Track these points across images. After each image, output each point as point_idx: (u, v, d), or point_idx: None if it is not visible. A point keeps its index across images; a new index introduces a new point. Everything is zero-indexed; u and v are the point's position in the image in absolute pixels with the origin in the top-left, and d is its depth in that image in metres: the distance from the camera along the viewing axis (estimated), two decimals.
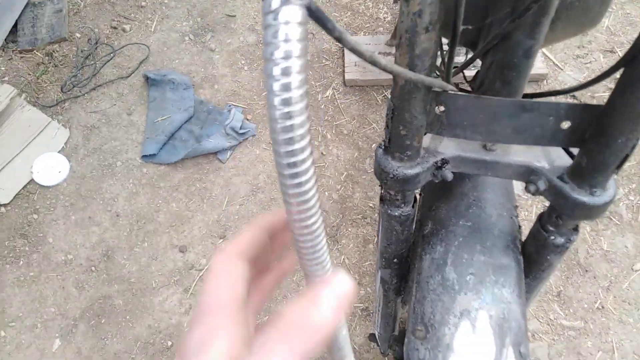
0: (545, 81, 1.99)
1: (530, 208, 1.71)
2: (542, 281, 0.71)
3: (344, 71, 2.06)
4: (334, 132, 1.95)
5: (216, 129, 1.93)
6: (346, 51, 2.08)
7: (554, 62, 2.03)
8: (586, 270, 1.57)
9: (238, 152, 1.93)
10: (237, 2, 2.29)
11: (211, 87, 2.08)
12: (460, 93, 0.54)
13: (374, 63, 0.36)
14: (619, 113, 0.47)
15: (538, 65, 1.96)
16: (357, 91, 2.04)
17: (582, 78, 1.98)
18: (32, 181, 1.89)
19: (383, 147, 0.61)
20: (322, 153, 1.90)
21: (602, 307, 1.51)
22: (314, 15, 0.27)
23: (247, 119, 2.00)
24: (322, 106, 2.01)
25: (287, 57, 0.24)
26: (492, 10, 0.57)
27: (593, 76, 1.98)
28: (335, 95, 2.03)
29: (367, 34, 2.18)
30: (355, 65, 2.03)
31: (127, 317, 1.64)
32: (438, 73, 0.75)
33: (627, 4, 2.17)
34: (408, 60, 0.48)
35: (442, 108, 0.56)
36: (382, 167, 0.60)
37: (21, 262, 1.75)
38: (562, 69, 2.01)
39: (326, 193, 1.82)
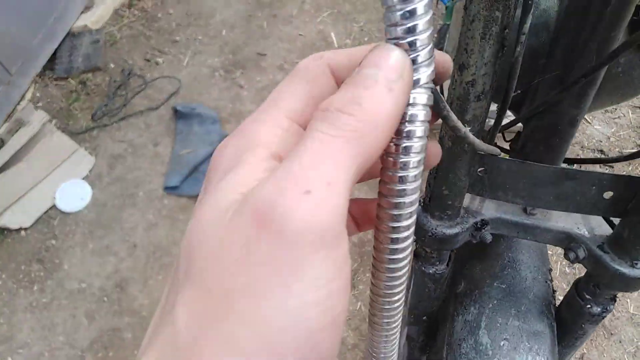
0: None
1: (554, 265, 1.67)
2: (575, 348, 0.69)
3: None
4: None
5: None
6: None
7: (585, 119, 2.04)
8: (611, 334, 1.52)
9: None
10: (268, 41, 2.36)
11: (237, 122, 2.12)
12: (503, 157, 0.54)
13: (463, 137, 0.35)
14: None
15: None
16: None
17: (610, 133, 1.98)
18: (53, 206, 1.91)
19: (422, 204, 0.60)
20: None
21: None
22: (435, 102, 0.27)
23: None
24: None
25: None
26: (540, 77, 0.57)
27: (621, 132, 1.98)
28: None
29: None
30: None
31: (135, 351, 1.61)
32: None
33: None
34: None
35: (483, 169, 0.56)
36: (420, 224, 0.60)
37: (35, 288, 1.75)
38: (590, 123, 2.01)
39: None
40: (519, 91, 0.58)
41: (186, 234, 0.22)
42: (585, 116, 2.02)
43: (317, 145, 0.20)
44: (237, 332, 0.18)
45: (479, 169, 0.56)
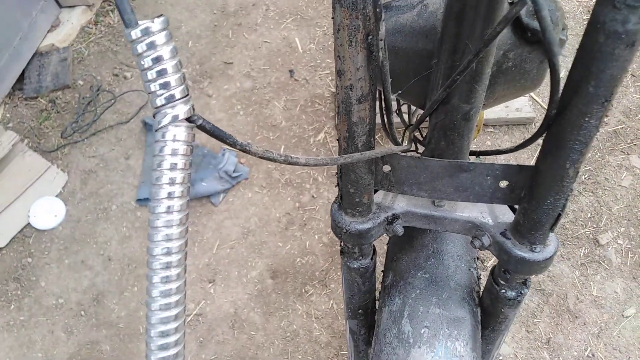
0: (533, 124, 2.03)
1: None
2: (501, 332, 0.72)
3: (335, 115, 2.12)
4: (325, 175, 1.98)
5: (210, 173, 1.98)
6: None
7: (542, 106, 2.08)
8: (576, 317, 1.56)
9: (231, 196, 1.96)
10: (234, 49, 2.39)
11: None
12: (403, 154, 0.57)
13: (291, 164, 0.40)
14: (545, 175, 0.50)
15: (525, 110, 2.01)
16: None
17: None
18: (28, 225, 1.93)
19: (337, 202, 0.63)
20: (313, 196, 1.93)
21: (593, 355, 1.48)
22: (209, 132, 0.32)
23: (241, 163, 2.04)
24: (314, 149, 2.06)
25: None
26: (433, 77, 0.61)
27: None
28: (327, 139, 2.08)
29: None
30: None
31: None
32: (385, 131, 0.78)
33: None
34: (347, 127, 0.52)
35: (388, 167, 0.59)
36: (336, 222, 0.63)
37: (12, 307, 1.77)
38: None
39: (316, 236, 1.83)
40: (399, 91, 0.61)
41: None
42: (544, 105, 2.05)
43: None
44: None
45: (384, 167, 0.60)
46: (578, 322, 1.55)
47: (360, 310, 0.78)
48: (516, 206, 0.62)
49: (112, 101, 2.24)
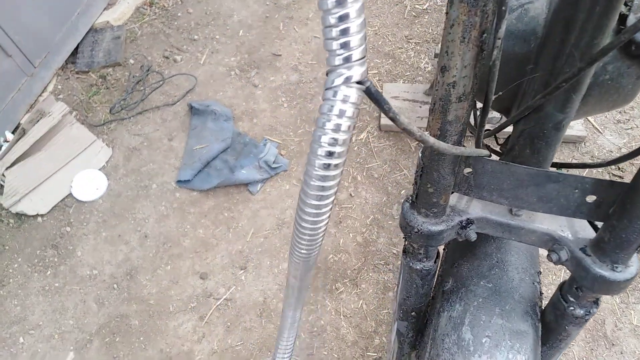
0: (583, 144, 1.98)
1: (559, 272, 1.67)
2: (560, 350, 0.70)
3: (380, 116, 2.11)
4: (364, 174, 1.98)
5: (250, 161, 1.99)
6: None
7: (593, 126, 2.02)
8: (612, 344, 1.51)
9: (268, 186, 1.97)
10: (284, 42, 2.40)
11: (250, 120, 2.16)
12: (488, 158, 0.56)
13: (423, 142, 0.39)
14: None
15: (577, 128, 1.96)
16: (392, 136, 2.07)
17: (622, 144, 1.96)
18: (70, 195, 1.98)
19: (410, 201, 0.63)
20: (350, 194, 1.92)
21: None
22: (373, 96, 0.31)
23: (281, 154, 2.05)
24: (356, 148, 2.05)
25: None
26: (526, 82, 0.59)
27: (633, 143, 1.96)
28: (369, 139, 2.07)
29: (406, 81, 2.24)
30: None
31: (141, 338, 1.66)
32: (472, 132, 0.77)
33: None
34: (440, 125, 0.51)
35: (469, 170, 0.58)
36: (407, 220, 0.62)
37: (49, 272, 1.81)
38: (601, 133, 2.00)
39: (350, 235, 1.83)
40: (500, 93, 0.60)
41: None
42: (597, 125, 2.00)
43: None
44: None
45: (466, 170, 0.58)
46: (614, 349, 1.50)
47: (413, 313, 0.77)
48: (597, 222, 0.60)
49: (161, 82, 2.28)
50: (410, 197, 0.62)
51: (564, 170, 0.57)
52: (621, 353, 1.50)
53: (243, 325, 1.66)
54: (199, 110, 2.13)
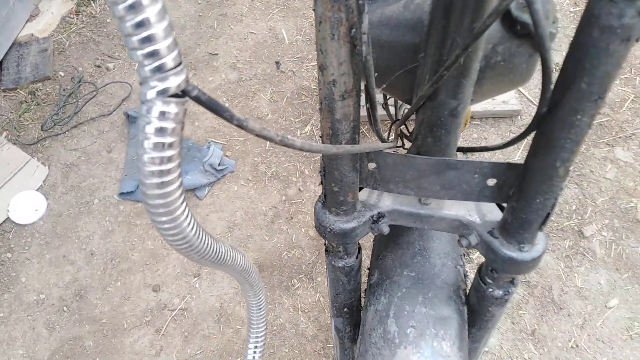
0: (519, 117, 2.03)
1: None
2: (488, 330, 0.71)
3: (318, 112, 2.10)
4: (312, 167, 1.96)
5: (195, 166, 1.95)
6: None
7: (528, 99, 2.08)
8: (560, 308, 1.57)
9: (216, 189, 1.93)
10: (219, 40, 2.34)
11: (192, 123, 2.11)
12: (388, 152, 0.56)
13: (287, 145, 0.38)
14: (534, 173, 0.49)
15: (512, 102, 2.00)
16: None
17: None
18: (8, 219, 1.88)
19: (321, 201, 0.62)
20: (299, 189, 1.91)
21: (577, 346, 1.50)
22: (206, 104, 0.29)
23: (227, 156, 2.01)
24: None
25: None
26: (419, 71, 0.59)
27: None
28: (313, 132, 2.06)
29: None
30: None
31: (97, 359, 1.60)
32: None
33: None
34: (330, 124, 0.50)
35: (373, 165, 0.58)
36: (320, 221, 0.61)
37: None
38: (536, 105, 2.05)
39: (303, 229, 1.82)
40: (384, 86, 0.59)
41: None
42: (531, 98, 2.05)
43: None
44: None
45: (370, 165, 0.58)
46: (562, 313, 1.56)
47: (345, 309, 0.77)
48: (504, 204, 0.61)
49: (94, 93, 2.19)
50: (320, 198, 0.61)
51: (461, 155, 0.57)
52: (569, 315, 1.55)
53: (201, 333, 1.64)
54: (136, 118, 2.06)
